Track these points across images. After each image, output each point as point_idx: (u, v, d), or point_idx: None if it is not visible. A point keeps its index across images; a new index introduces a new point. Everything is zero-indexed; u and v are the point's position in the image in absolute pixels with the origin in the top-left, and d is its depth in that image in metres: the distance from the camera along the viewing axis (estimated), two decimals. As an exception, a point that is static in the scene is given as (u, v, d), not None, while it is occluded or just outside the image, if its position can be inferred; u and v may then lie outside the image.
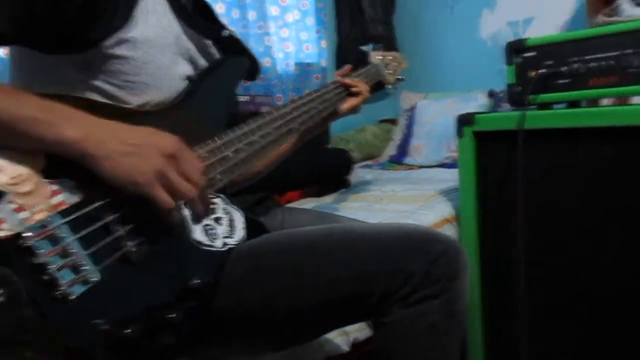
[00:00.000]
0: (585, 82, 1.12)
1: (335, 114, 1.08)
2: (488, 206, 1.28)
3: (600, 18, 1.85)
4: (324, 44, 2.56)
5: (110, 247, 0.59)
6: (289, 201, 1.75)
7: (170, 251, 0.66)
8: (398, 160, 2.47)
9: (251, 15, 2.26)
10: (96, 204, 0.59)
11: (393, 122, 2.81)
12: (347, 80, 1.09)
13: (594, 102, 1.36)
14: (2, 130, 0.55)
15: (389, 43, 2.92)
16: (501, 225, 1.24)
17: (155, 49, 0.73)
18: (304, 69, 2.49)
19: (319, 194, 1.81)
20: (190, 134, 0.69)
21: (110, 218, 0.59)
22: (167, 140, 0.63)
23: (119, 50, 0.69)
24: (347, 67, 1.16)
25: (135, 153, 0.59)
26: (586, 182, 1.12)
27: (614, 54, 1.08)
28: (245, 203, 1.13)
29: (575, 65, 1.13)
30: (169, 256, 0.66)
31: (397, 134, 2.64)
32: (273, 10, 2.36)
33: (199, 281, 0.66)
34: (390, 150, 2.59)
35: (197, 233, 0.71)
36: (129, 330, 0.57)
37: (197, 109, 0.78)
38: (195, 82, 0.80)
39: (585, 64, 1.11)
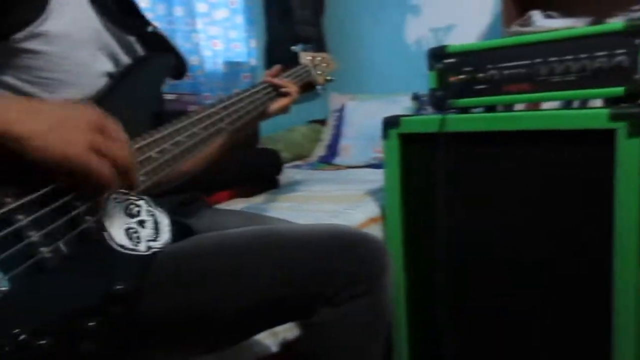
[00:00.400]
0: (500, 88, 1.19)
1: (265, 114, 1.08)
2: (412, 206, 1.33)
3: (514, 28, 1.98)
4: (253, 43, 2.55)
5: (22, 254, 0.55)
6: (218, 202, 1.72)
7: (90, 256, 0.63)
8: (327, 160, 2.50)
9: (178, 11, 2.20)
10: (6, 208, 0.55)
11: (322, 122, 2.84)
12: (277, 81, 1.09)
13: (509, 107, 1.45)
14: None
15: (319, 44, 2.96)
16: (424, 224, 1.29)
17: (72, 44, 0.70)
18: (233, 68, 2.46)
19: (248, 194, 1.79)
20: None
21: (22, 223, 0.56)
22: (90, 112, 0.59)
23: (31, 45, 0.65)
24: (276, 67, 1.16)
25: (61, 128, 0.55)
26: (501, 182, 1.19)
27: (525, 62, 1.16)
28: (171, 204, 1.10)
29: (491, 72, 1.20)
30: (88, 261, 0.63)
31: (326, 135, 2.68)
32: (201, 7, 2.31)
33: (121, 287, 0.64)
34: (320, 150, 2.62)
35: (120, 237, 0.68)
36: (44, 341, 0.54)
37: (118, 108, 0.75)
38: (117, 79, 0.77)
39: (500, 71, 1.18)
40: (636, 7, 1.77)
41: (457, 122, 1.22)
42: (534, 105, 1.69)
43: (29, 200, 0.57)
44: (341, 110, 2.65)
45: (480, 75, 1.21)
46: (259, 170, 1.83)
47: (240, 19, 2.49)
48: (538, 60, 1.14)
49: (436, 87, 1.28)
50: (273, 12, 2.80)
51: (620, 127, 0.99)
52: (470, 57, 1.23)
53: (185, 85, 2.19)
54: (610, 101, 1.09)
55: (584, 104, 1.38)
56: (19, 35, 0.63)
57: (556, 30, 1.76)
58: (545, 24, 1.93)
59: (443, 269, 1.18)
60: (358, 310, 0.78)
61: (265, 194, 1.80)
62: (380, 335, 0.83)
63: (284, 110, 1.12)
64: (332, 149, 2.54)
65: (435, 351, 1.27)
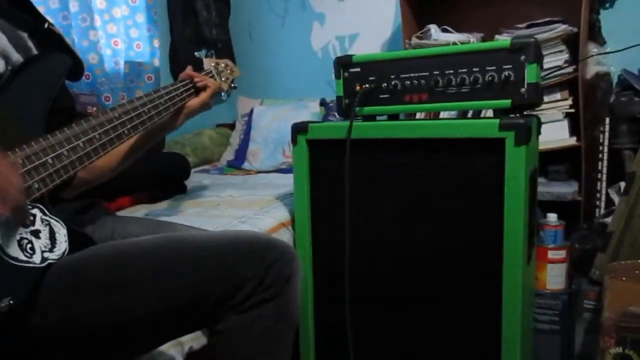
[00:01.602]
0: (402, 97, 1.26)
1: (185, 113, 1.06)
2: (320, 210, 1.36)
3: (414, 40, 2.09)
4: (156, 42, 2.45)
5: None
6: (120, 208, 1.64)
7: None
8: (236, 165, 2.47)
9: (73, 6, 2.07)
10: None
11: (230, 126, 2.81)
12: (192, 73, 1.08)
13: (411, 115, 1.52)
14: None
15: (225, 47, 2.92)
16: (332, 228, 1.33)
17: None
18: (134, 67, 2.35)
19: (153, 199, 1.73)
20: (2, 137, 0.62)
21: None
22: None
23: None
24: (188, 69, 1.14)
25: None
26: (404, 187, 1.26)
27: (424, 74, 1.23)
28: (69, 211, 1.03)
29: (394, 82, 1.26)
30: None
31: (235, 139, 2.65)
32: (98, 4, 2.18)
33: (11, 302, 0.60)
34: (228, 155, 2.59)
35: (11, 248, 0.63)
36: None
37: (9, 109, 0.69)
38: (7, 79, 0.71)
39: (402, 81, 1.25)
40: (520, 25, 1.95)
41: (362, 129, 1.26)
42: (434, 114, 1.80)
43: None
44: (249, 114, 2.64)
45: (384, 84, 1.27)
46: (165, 175, 1.77)
47: (141, 18, 2.38)
48: (436, 72, 1.21)
49: (343, 95, 1.32)
50: (177, 12, 2.72)
51: (508, 136, 1.09)
52: (374, 67, 1.28)
53: (83, 85, 2.06)
54: (499, 112, 1.19)
55: (478, 114, 1.49)
56: None
57: (451, 43, 1.89)
58: (441, 38, 2.05)
59: (349, 272, 1.22)
60: (265, 316, 0.78)
61: (171, 200, 1.75)
62: (288, 339, 0.84)
63: (206, 105, 1.11)
64: (241, 154, 2.51)
65: (341, 354, 1.31)
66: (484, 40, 2.07)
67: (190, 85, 1.08)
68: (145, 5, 2.38)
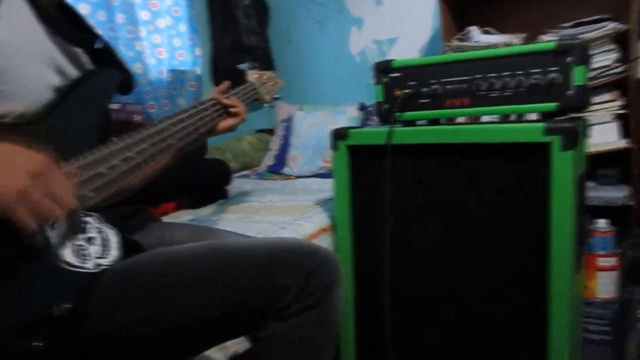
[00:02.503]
0: (443, 102, 1.25)
1: (212, 131, 1.08)
2: (361, 215, 1.36)
3: (454, 42, 2.07)
4: (198, 51, 2.52)
5: None
6: (164, 213, 1.68)
7: (35, 275, 0.61)
8: (275, 170, 2.50)
9: (119, 18, 2.14)
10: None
11: (270, 132, 2.84)
12: (226, 101, 1.09)
13: (452, 120, 1.51)
14: None
15: (264, 53, 2.96)
16: (372, 233, 1.32)
17: (15, 56, 0.67)
18: (177, 76, 2.42)
19: (196, 205, 1.77)
20: (58, 148, 0.65)
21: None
22: (32, 159, 0.58)
23: None
24: (225, 84, 1.16)
25: None
26: (444, 192, 1.24)
27: (465, 78, 1.21)
28: (115, 216, 1.07)
29: (434, 87, 1.25)
30: (32, 281, 0.61)
31: (274, 144, 2.68)
32: (143, 15, 2.26)
33: (67, 306, 0.62)
34: (268, 160, 2.62)
35: (67, 254, 0.66)
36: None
37: (65, 122, 0.73)
38: (64, 93, 0.75)
39: (443, 86, 1.24)
40: (565, 25, 1.89)
41: (402, 134, 1.26)
42: (475, 119, 1.77)
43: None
44: (289, 120, 2.66)
45: (424, 89, 1.26)
46: (207, 181, 1.81)
47: (184, 27, 2.45)
48: (478, 75, 1.19)
49: (382, 100, 1.32)
50: (218, 21, 2.78)
51: (554, 141, 1.06)
52: (414, 72, 1.27)
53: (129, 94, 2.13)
54: (544, 116, 1.16)
55: (520, 118, 1.46)
56: None
57: (493, 45, 1.86)
58: (483, 39, 2.02)
59: (389, 278, 1.21)
60: (307, 323, 0.79)
61: (214, 205, 1.78)
62: (329, 347, 0.84)
63: (232, 129, 1.13)
64: (280, 159, 2.54)
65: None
66: (527, 40, 2.03)
67: (220, 106, 1.10)
68: (188, 15, 2.45)
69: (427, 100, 1.26)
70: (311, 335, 0.80)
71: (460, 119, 1.80)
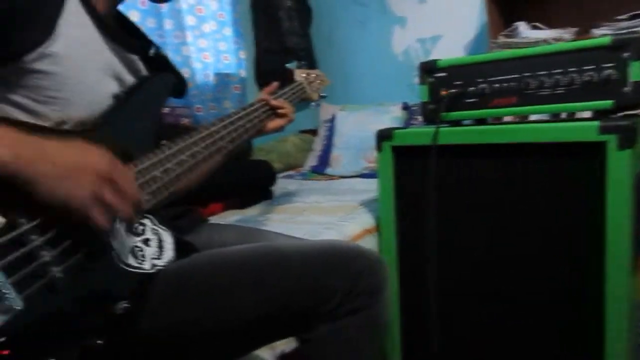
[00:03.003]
0: (490, 101, 1.22)
1: (261, 132, 1.10)
2: (405, 216, 1.35)
3: (500, 39, 2.02)
4: (242, 54, 2.56)
5: (35, 274, 0.56)
6: (212, 213, 1.72)
7: (98, 275, 0.64)
8: (319, 170, 2.52)
9: (167, 24, 2.21)
10: (21, 229, 0.56)
11: (313, 132, 2.86)
12: (274, 102, 1.11)
13: (499, 119, 1.48)
14: None
15: (307, 54, 2.98)
16: (417, 234, 1.31)
17: (76, 64, 0.71)
18: (222, 79, 2.47)
19: (243, 205, 1.80)
20: (116, 153, 0.68)
21: (35, 243, 0.57)
22: (100, 160, 0.61)
23: (40, 65, 0.66)
24: (274, 85, 1.17)
25: (69, 177, 0.57)
26: (492, 193, 1.22)
27: (514, 76, 1.19)
28: (165, 217, 1.11)
29: (481, 86, 1.22)
30: (96, 280, 0.64)
31: (317, 145, 2.69)
32: (189, 20, 2.32)
33: (127, 305, 0.65)
34: (311, 160, 2.64)
35: (126, 255, 0.69)
36: (54, 358, 0.56)
37: (122, 128, 0.76)
38: (122, 99, 0.78)
39: (490, 85, 1.21)
40: (621, 17, 1.82)
41: (448, 135, 1.24)
42: (522, 118, 1.73)
43: (41, 222, 0.57)
44: (332, 120, 2.67)
45: (470, 88, 1.24)
46: (253, 182, 1.84)
47: (228, 31, 2.50)
48: (527, 74, 1.16)
49: (428, 100, 1.31)
50: (261, 24, 2.82)
51: (610, 140, 1.03)
52: (460, 71, 1.25)
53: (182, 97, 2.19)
54: (597, 114, 1.12)
55: (571, 116, 1.41)
56: (29, 56, 0.64)
57: (542, 41, 1.81)
58: (531, 35, 1.97)
59: (435, 280, 1.20)
60: (355, 326, 0.79)
61: (259, 205, 1.81)
62: (376, 349, 0.85)
63: (280, 130, 1.14)
64: (324, 159, 2.56)
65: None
66: (578, 35, 1.96)
67: (268, 107, 1.11)
68: (232, 19, 2.50)
69: (474, 100, 1.24)
70: (359, 337, 0.80)
71: (506, 118, 1.76)
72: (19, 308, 0.53)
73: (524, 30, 1.99)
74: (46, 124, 0.68)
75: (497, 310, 1.24)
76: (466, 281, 1.27)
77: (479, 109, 1.24)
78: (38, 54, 0.65)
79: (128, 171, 0.66)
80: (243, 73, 2.56)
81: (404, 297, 1.37)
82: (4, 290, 0.53)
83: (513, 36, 2.00)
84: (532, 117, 1.57)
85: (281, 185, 2.16)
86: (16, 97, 0.66)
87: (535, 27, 2.00)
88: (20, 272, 0.54)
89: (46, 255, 0.57)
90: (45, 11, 0.66)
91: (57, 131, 0.69)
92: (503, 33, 2.04)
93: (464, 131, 1.25)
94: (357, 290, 0.79)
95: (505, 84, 1.19)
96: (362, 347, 0.82)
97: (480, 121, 1.32)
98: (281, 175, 2.49)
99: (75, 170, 0.58)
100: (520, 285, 1.20)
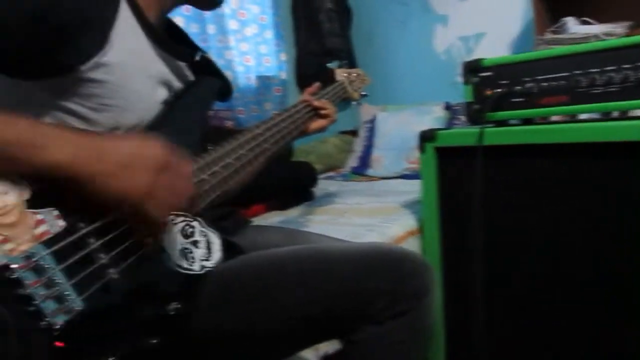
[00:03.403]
0: (538, 100, 1.19)
1: (303, 133, 1.11)
2: (449, 219, 1.33)
3: (548, 35, 1.96)
4: (283, 56, 2.59)
5: (93, 276, 0.58)
6: (255, 214, 1.75)
7: (151, 276, 0.67)
8: (360, 171, 2.51)
9: (210, 29, 2.26)
10: (79, 233, 0.58)
11: (353, 133, 2.86)
12: (317, 103, 1.12)
13: (545, 119, 1.44)
14: None
15: (347, 56, 2.98)
16: (461, 236, 1.29)
17: (129, 72, 0.73)
18: (264, 81, 2.51)
19: (284, 206, 1.82)
20: None
21: (93, 246, 0.59)
22: (155, 152, 0.62)
23: (94, 74, 0.68)
24: (315, 85, 1.18)
25: (125, 171, 0.59)
26: (539, 195, 1.18)
27: (563, 74, 1.15)
28: (211, 219, 1.13)
29: (528, 85, 1.19)
30: (150, 281, 0.66)
31: (358, 146, 2.69)
32: (232, 25, 2.37)
33: (179, 305, 0.67)
34: (352, 161, 2.64)
35: (176, 257, 0.71)
36: (112, 358, 0.58)
37: (171, 133, 0.78)
38: (170, 105, 0.80)
39: (538, 83, 1.18)
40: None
41: (494, 135, 1.22)
42: (571, 117, 1.67)
43: (97, 226, 0.60)
44: (372, 121, 2.67)
45: (517, 87, 1.21)
46: (294, 183, 1.86)
47: (269, 34, 2.53)
48: (577, 71, 1.13)
49: (472, 101, 1.28)
50: (301, 26, 2.84)
51: (668, 139, 0.98)
52: (506, 70, 1.22)
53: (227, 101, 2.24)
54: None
55: (623, 115, 1.36)
56: (84, 66, 0.67)
57: (592, 36, 1.75)
58: (580, 31, 1.90)
59: (481, 283, 1.17)
60: (400, 329, 0.79)
61: (301, 207, 1.83)
62: (421, 353, 0.84)
63: (323, 130, 1.15)
64: (364, 160, 2.55)
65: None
66: (632, 30, 1.87)
67: (310, 108, 1.12)
68: (273, 22, 2.53)
69: (521, 99, 1.21)
70: (403, 341, 0.80)
71: (553, 118, 1.71)
72: (79, 309, 0.56)
73: (573, 25, 1.92)
74: (99, 130, 0.71)
75: (548, 316, 1.20)
76: (514, 285, 1.24)
77: (526, 109, 1.21)
78: (92, 63, 0.67)
79: (186, 163, 0.67)
80: (284, 75, 2.59)
81: (448, 301, 1.35)
82: (65, 292, 0.55)
83: (561, 32, 1.93)
84: (582, 117, 1.52)
85: (322, 186, 2.17)
86: (71, 105, 0.69)
87: (584, 22, 1.93)
88: (80, 274, 0.57)
89: (103, 258, 0.60)
90: (99, 22, 0.69)
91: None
92: (550, 29, 1.98)
93: (511, 131, 1.22)
94: (402, 293, 0.78)
95: (554, 83, 1.16)
96: (406, 351, 0.81)
97: (527, 121, 1.28)
98: (322, 176, 2.50)
99: (131, 163, 0.59)
100: (572, 290, 1.16)
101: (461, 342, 1.33)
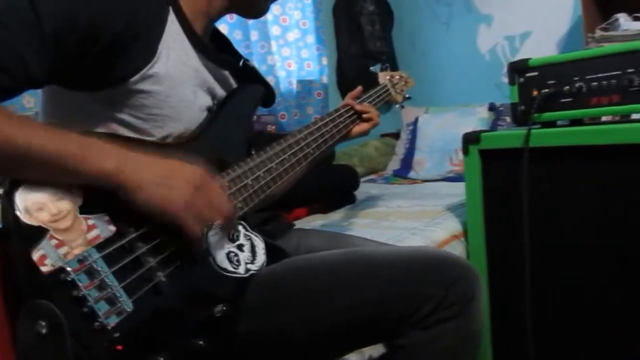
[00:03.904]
0: (588, 100, 1.15)
1: (346, 137, 1.11)
2: (494, 222, 1.30)
3: (598, 33, 1.89)
4: (324, 61, 2.60)
5: (142, 279, 0.61)
6: (297, 218, 1.76)
7: (197, 279, 0.69)
8: (402, 174, 2.49)
9: (253, 35, 2.30)
10: (128, 237, 0.61)
11: (395, 136, 2.84)
12: (359, 107, 1.12)
13: (595, 120, 1.39)
14: (46, 167, 0.57)
15: (388, 58, 2.97)
16: (508, 240, 1.26)
17: (176, 83, 0.76)
18: (305, 86, 2.53)
19: (326, 210, 1.83)
20: (211, 164, 0.72)
21: (142, 250, 0.62)
22: (193, 172, 0.66)
23: (143, 86, 0.71)
24: (358, 89, 1.18)
25: (166, 185, 0.63)
26: (588, 198, 1.14)
27: (614, 73, 1.11)
28: (255, 223, 1.15)
29: (577, 85, 1.15)
30: (196, 284, 0.68)
31: (400, 148, 2.67)
32: (274, 30, 2.40)
33: (225, 308, 0.69)
34: (394, 164, 2.62)
35: (222, 260, 0.73)
36: (161, 358, 0.60)
37: (217, 139, 0.80)
38: (215, 113, 0.82)
39: (587, 83, 1.14)
40: None
41: (541, 137, 1.18)
42: (622, 117, 1.61)
43: (146, 231, 0.62)
44: (414, 123, 2.64)
45: (565, 88, 1.17)
46: (337, 186, 1.87)
47: (311, 39, 2.55)
48: (630, 70, 1.08)
49: (518, 102, 1.25)
50: (343, 30, 2.84)
51: None
52: (553, 70, 1.19)
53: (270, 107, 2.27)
54: None
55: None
56: (135, 78, 0.70)
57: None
58: (632, 27, 1.82)
59: (529, 288, 1.14)
60: (447, 335, 0.77)
61: (343, 210, 1.83)
62: (468, 359, 0.82)
63: (365, 134, 1.15)
64: (406, 163, 2.53)
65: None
66: (688, 24, 1.79)
67: (353, 111, 1.12)
68: (315, 26, 2.55)
69: (569, 100, 1.17)
70: (450, 347, 0.78)
71: (604, 119, 1.65)
72: (129, 310, 0.58)
73: (625, 22, 1.84)
74: (150, 139, 0.74)
75: (599, 326, 1.16)
76: (563, 291, 1.20)
77: (575, 109, 1.17)
78: (142, 75, 0.70)
79: (218, 183, 0.70)
80: (325, 79, 2.60)
81: (495, 306, 1.32)
82: (116, 294, 0.58)
83: (612, 29, 1.86)
84: (634, 116, 1.46)
85: (364, 189, 2.16)
86: (122, 116, 0.72)
87: (637, 19, 1.85)
88: (130, 276, 0.59)
89: (151, 261, 0.62)
90: (148, 35, 0.71)
91: (158, 145, 0.74)
92: (601, 26, 1.91)
93: (559, 132, 1.19)
94: (450, 299, 0.77)
95: (605, 82, 1.12)
96: (452, 357, 0.80)
97: (575, 122, 1.24)
98: (363, 179, 2.50)
99: (169, 179, 0.63)
100: (624, 292, 1.11)
101: (509, 348, 1.30)
